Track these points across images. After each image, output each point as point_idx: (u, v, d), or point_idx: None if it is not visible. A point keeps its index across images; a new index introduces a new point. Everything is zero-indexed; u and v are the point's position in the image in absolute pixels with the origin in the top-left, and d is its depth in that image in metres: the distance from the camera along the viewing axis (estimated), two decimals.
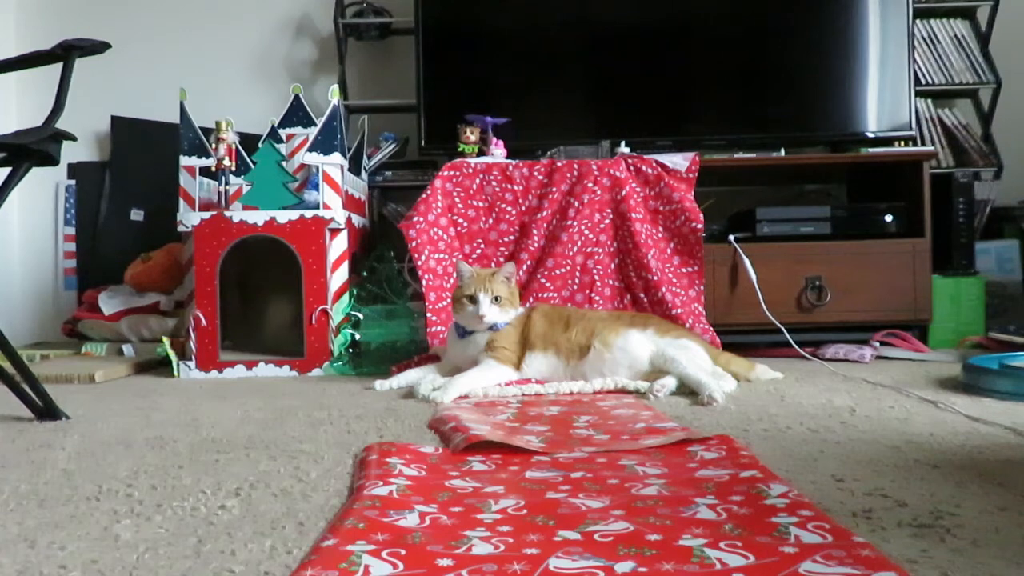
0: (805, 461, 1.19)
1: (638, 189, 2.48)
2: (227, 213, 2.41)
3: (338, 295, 2.44)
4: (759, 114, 2.89)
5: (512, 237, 2.49)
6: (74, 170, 3.38)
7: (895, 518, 0.91)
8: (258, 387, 2.13)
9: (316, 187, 2.47)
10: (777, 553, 0.78)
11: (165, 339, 2.48)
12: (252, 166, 2.51)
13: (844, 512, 0.94)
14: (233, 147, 2.51)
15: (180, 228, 2.43)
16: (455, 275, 2.04)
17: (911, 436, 1.34)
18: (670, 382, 1.84)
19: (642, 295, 2.41)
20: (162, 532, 0.93)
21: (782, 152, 2.74)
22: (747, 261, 2.49)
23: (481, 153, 2.57)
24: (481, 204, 2.48)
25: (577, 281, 2.44)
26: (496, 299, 1.95)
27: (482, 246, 2.48)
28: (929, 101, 3.05)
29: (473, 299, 1.94)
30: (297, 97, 2.67)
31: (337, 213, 2.42)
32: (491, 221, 2.49)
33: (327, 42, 3.35)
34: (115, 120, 3.37)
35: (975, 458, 1.19)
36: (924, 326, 2.58)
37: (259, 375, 2.38)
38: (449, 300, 2.37)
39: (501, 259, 2.45)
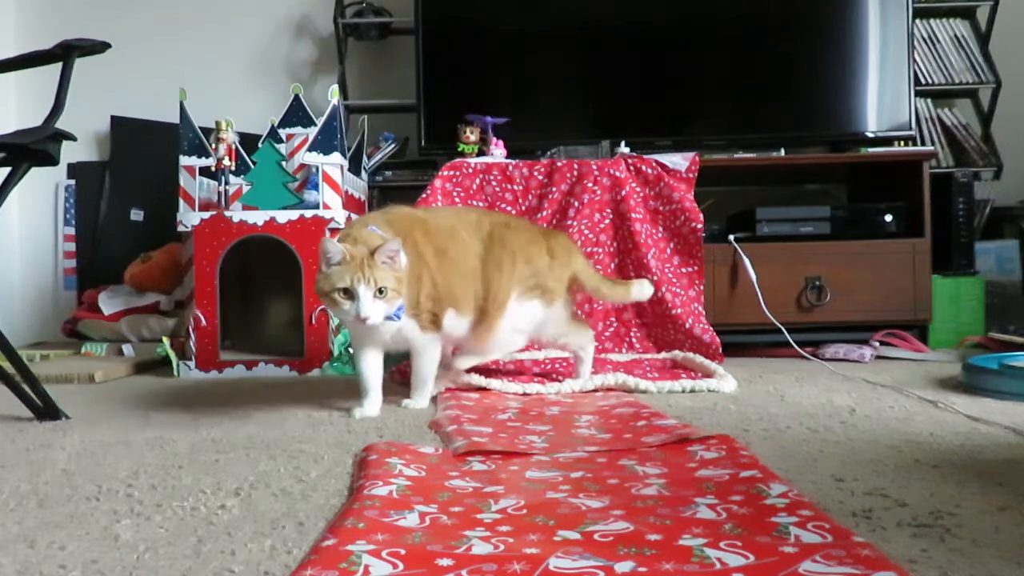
0: (805, 461, 1.19)
1: (638, 189, 2.48)
2: (227, 213, 2.41)
3: None
4: (759, 114, 2.88)
5: None
6: (74, 170, 3.38)
7: (895, 518, 0.91)
8: (258, 387, 2.13)
9: (316, 187, 2.46)
10: (777, 553, 0.78)
11: (165, 339, 2.48)
12: (252, 166, 2.51)
13: (844, 512, 0.94)
14: (233, 147, 2.51)
15: (180, 228, 2.42)
16: (320, 256, 1.54)
17: (911, 436, 1.34)
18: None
19: None
20: (162, 532, 0.93)
21: (782, 152, 2.74)
22: (747, 261, 2.49)
23: (481, 153, 2.57)
24: (481, 204, 2.48)
25: None
26: (381, 291, 1.50)
27: None
28: (929, 101, 3.05)
29: (349, 292, 1.50)
30: (297, 97, 2.66)
31: (337, 213, 2.42)
32: None
33: (327, 42, 3.35)
34: (115, 120, 3.37)
35: (975, 458, 1.19)
36: (924, 326, 2.58)
37: (259, 375, 2.38)
38: None
39: None
